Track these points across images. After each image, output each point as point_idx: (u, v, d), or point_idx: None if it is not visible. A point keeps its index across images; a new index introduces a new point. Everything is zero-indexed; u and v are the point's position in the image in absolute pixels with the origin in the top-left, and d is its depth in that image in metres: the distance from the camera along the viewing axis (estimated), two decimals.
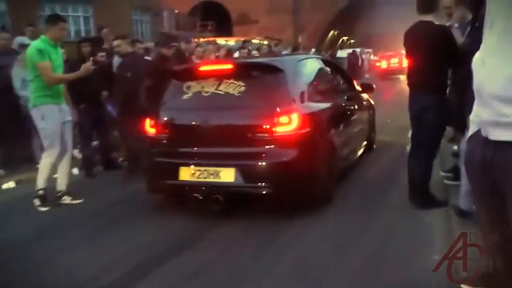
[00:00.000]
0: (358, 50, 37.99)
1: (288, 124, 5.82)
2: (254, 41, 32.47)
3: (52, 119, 7.04)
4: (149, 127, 6.55)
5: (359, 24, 65.17)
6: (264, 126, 5.79)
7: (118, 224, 6.29)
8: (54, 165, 7.23)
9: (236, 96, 6.06)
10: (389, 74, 33.98)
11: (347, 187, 7.26)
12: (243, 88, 6.09)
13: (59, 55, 7.17)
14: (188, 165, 6.11)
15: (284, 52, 18.07)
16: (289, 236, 5.55)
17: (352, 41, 68.58)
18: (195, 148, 6.17)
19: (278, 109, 5.86)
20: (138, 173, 7.19)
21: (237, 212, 6.33)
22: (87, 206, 7.12)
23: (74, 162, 8.39)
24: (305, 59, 7.10)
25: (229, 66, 6.42)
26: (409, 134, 6.33)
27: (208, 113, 6.09)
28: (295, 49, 19.72)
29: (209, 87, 6.24)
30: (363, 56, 37.73)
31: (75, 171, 9.04)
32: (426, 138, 6.09)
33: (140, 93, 8.24)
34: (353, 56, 32.89)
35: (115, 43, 9.77)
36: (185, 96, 6.36)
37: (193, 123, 6.17)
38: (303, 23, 54.22)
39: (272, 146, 5.75)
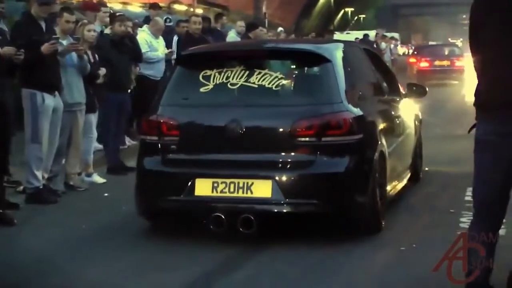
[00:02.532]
0: (373, 33, 27.79)
1: (339, 127, 5.54)
2: (177, 6, 24.31)
3: None
4: (149, 128, 5.92)
5: None
6: (311, 129, 5.51)
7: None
8: None
9: (274, 90, 5.74)
10: (431, 79, 23.39)
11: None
12: (282, 81, 5.77)
13: None
14: (208, 176, 5.57)
15: (231, 33, 12.81)
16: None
17: (362, 17, 51.23)
18: (218, 155, 5.70)
19: (326, 109, 5.60)
20: None
21: (275, 238, 5.62)
22: None
23: None
24: (348, 46, 6.65)
25: (261, 51, 6.33)
26: None
27: (236, 111, 5.71)
28: (251, 27, 11.84)
29: (236, 78, 5.82)
30: (383, 45, 26.01)
31: None
32: None
33: None
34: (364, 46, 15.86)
35: None
36: (203, 89, 5.87)
37: (216, 123, 5.72)
38: None
39: (320, 153, 5.50)
